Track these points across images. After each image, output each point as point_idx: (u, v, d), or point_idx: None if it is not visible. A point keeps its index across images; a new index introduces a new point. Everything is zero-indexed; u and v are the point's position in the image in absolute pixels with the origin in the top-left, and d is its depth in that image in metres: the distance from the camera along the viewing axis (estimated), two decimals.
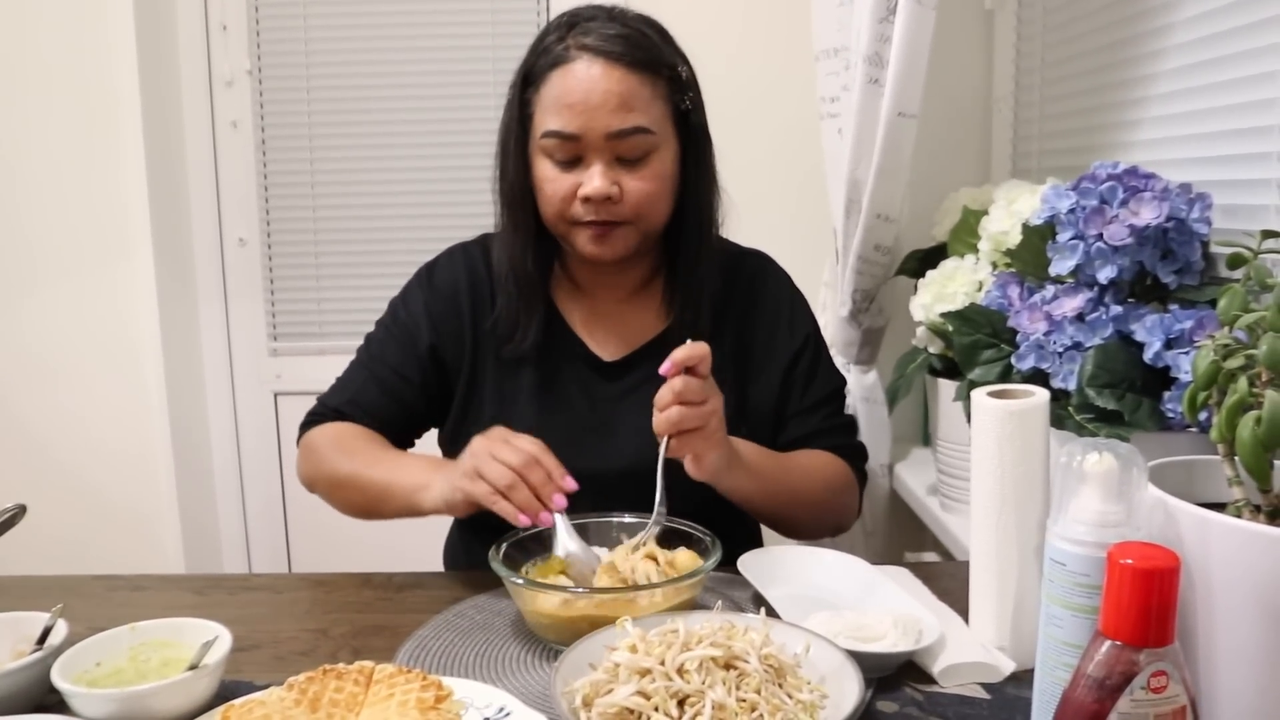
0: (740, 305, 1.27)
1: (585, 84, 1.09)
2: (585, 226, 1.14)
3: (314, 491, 1.24)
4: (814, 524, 1.26)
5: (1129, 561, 0.59)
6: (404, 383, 1.24)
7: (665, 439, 1.03)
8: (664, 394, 1.02)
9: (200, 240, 2.15)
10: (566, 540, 1.01)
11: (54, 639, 0.85)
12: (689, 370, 1.02)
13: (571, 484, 1.01)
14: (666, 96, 1.14)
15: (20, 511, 1.02)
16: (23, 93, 1.97)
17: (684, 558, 1.01)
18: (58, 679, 0.78)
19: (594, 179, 1.11)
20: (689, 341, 1.02)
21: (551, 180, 1.13)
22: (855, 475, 1.27)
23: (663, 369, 1.02)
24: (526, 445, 1.02)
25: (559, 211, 1.14)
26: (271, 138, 2.13)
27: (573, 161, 1.12)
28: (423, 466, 1.13)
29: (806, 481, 1.21)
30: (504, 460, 1.00)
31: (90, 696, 0.77)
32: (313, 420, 1.27)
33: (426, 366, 1.24)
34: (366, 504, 1.17)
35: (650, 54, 1.12)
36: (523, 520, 0.99)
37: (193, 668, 0.80)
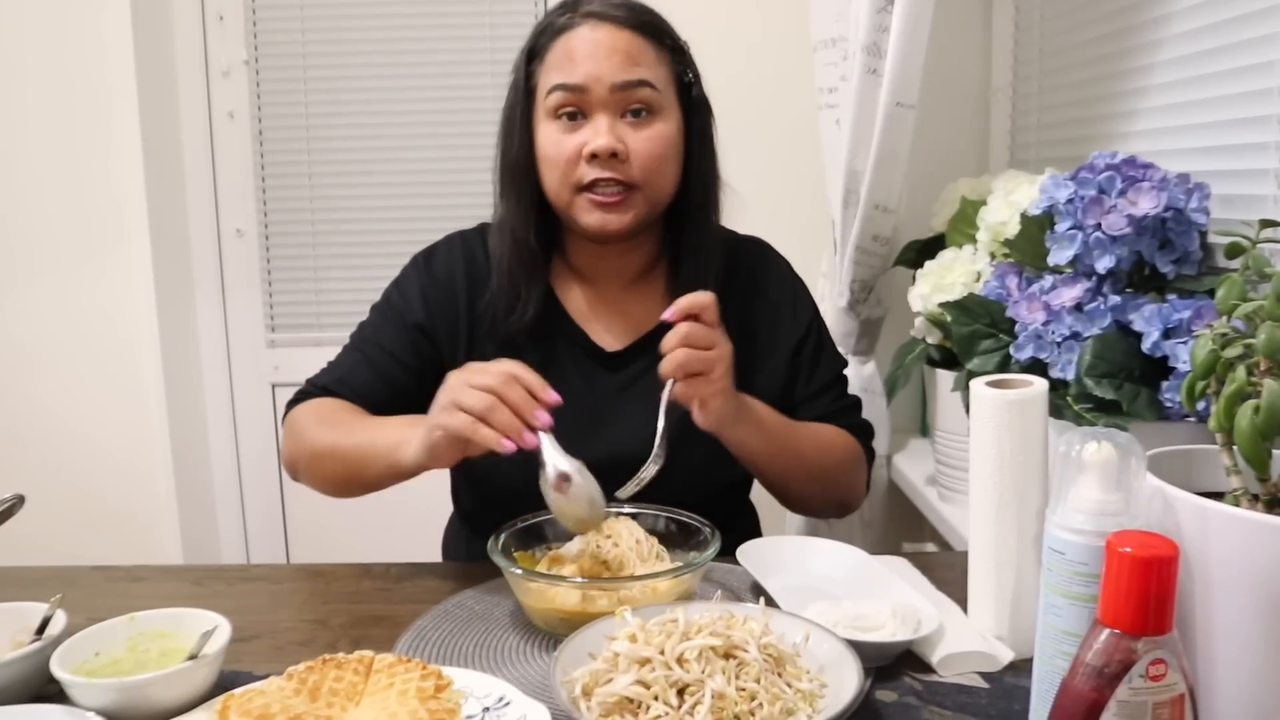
0: (741, 293, 1.26)
1: (590, 42, 1.11)
2: (590, 194, 1.13)
3: (296, 474, 1.19)
4: (821, 496, 1.24)
5: (1127, 550, 0.59)
6: (396, 364, 1.22)
7: (670, 382, 1.02)
8: (670, 338, 1.02)
9: (197, 231, 2.15)
10: (557, 459, 0.96)
11: (53, 629, 0.85)
12: (694, 318, 1.02)
13: (554, 396, 0.96)
14: (670, 64, 1.16)
15: (19, 502, 1.01)
16: (19, 83, 1.96)
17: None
18: (57, 669, 0.78)
19: (600, 135, 1.11)
20: (699, 291, 1.03)
21: (556, 144, 1.13)
22: (864, 452, 1.27)
23: (666, 314, 1.02)
24: (501, 366, 0.97)
25: (564, 176, 1.13)
26: (269, 128, 2.12)
27: (578, 120, 1.13)
28: (400, 423, 1.09)
29: (815, 447, 1.20)
30: (479, 385, 0.95)
31: (89, 686, 0.77)
32: (299, 400, 1.23)
33: (420, 349, 1.22)
34: (348, 473, 1.12)
35: (654, 22, 1.15)
36: (507, 446, 0.93)
37: (192, 658, 0.80)
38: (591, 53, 1.11)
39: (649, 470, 1.03)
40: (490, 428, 0.94)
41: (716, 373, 1.03)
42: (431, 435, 0.99)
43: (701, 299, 1.03)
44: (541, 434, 0.95)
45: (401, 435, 1.05)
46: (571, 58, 1.11)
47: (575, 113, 1.12)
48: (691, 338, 1.01)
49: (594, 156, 1.11)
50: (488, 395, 0.94)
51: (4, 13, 1.94)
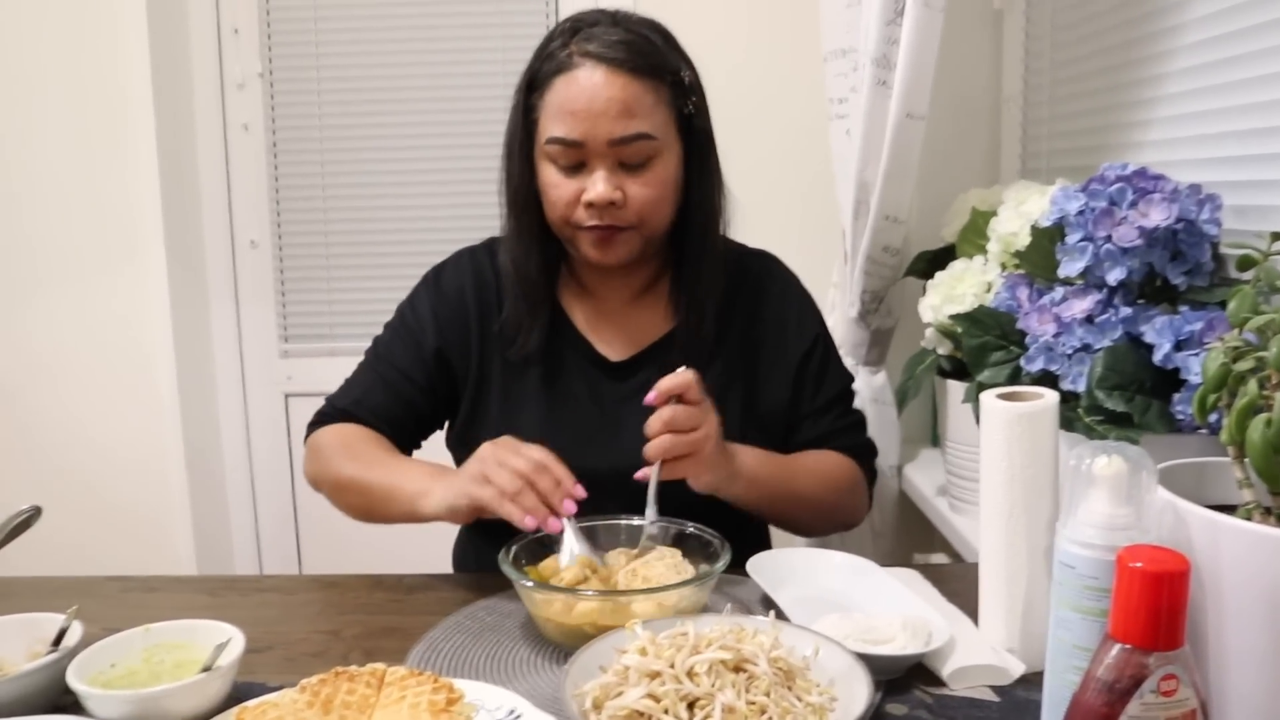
0: (747, 306, 1.27)
1: (588, 91, 1.10)
2: (588, 231, 1.15)
3: (319, 491, 1.25)
4: (820, 524, 1.27)
5: (1139, 565, 0.59)
6: (410, 385, 1.25)
7: (658, 463, 1.04)
8: (653, 423, 1.03)
9: (212, 242, 2.17)
10: (574, 546, 1.01)
11: (69, 640, 0.86)
12: (679, 398, 1.03)
13: (580, 492, 1.01)
14: (669, 102, 1.15)
15: (35, 514, 1.03)
16: (36, 96, 1.98)
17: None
18: (73, 680, 0.79)
19: (597, 185, 1.12)
20: (680, 369, 1.04)
21: (555, 186, 1.14)
22: (864, 474, 1.28)
23: (648, 399, 1.04)
24: (535, 453, 1.03)
25: (563, 216, 1.16)
26: (283, 140, 2.14)
27: (576, 167, 1.13)
28: (425, 473, 1.14)
29: (811, 485, 1.22)
30: (512, 466, 1.01)
31: (105, 698, 0.78)
32: (320, 420, 1.27)
33: (432, 370, 1.25)
34: (368, 507, 1.18)
35: (653, 60, 1.13)
36: (529, 524, 0.99)
37: (206, 669, 0.81)
38: (588, 104, 1.10)
39: (643, 547, 1.04)
40: (515, 506, 0.99)
41: (705, 451, 1.05)
42: (457, 499, 1.05)
43: (682, 379, 1.04)
44: (565, 521, 1.00)
45: (424, 485, 1.10)
46: (569, 108, 1.11)
47: (573, 164, 1.13)
48: (675, 422, 1.03)
49: (591, 205, 1.12)
50: (518, 479, 1.00)
51: (22, 26, 1.96)
